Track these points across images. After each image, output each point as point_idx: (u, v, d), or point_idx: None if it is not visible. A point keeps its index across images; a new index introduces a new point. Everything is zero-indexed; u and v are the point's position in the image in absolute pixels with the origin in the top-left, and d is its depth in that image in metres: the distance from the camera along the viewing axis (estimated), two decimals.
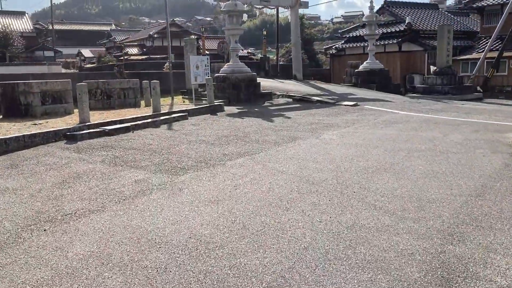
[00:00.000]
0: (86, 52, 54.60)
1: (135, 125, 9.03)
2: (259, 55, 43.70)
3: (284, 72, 26.69)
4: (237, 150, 7.08)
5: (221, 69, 16.58)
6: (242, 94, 15.66)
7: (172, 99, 17.19)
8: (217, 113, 12.13)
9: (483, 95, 19.66)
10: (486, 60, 21.93)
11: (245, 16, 19.18)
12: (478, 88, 20.88)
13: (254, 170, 5.79)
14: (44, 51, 47.03)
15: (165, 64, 20.79)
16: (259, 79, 18.32)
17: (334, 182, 5.17)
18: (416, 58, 25.44)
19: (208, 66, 15.27)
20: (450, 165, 5.87)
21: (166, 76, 17.21)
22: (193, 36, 25.13)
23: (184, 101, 15.78)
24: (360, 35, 28.63)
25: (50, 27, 65.85)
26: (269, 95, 16.47)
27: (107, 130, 8.36)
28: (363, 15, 30.61)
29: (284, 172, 5.65)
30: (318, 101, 14.94)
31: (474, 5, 25.57)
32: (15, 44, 38.03)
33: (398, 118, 10.83)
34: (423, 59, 24.87)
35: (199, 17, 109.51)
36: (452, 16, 29.80)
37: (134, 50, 48.38)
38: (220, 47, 21.94)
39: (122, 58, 35.99)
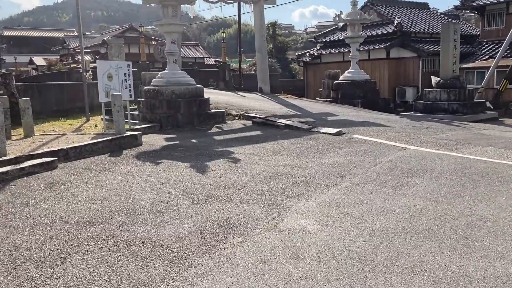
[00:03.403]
0: (39, 60, 52.46)
1: None
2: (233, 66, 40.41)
3: (249, 83, 22.99)
4: None
5: (153, 80, 12.61)
6: (181, 116, 11.72)
7: (87, 120, 13.11)
8: (125, 150, 8.13)
9: (497, 113, 16.40)
10: (496, 69, 18.77)
11: (191, 9, 15.32)
12: (488, 104, 17.66)
13: None
14: None
15: (87, 73, 16.64)
16: (214, 92, 14.40)
17: None
18: (408, 66, 22.18)
19: (129, 75, 11.31)
20: None
21: (85, 89, 13.14)
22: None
23: (96, 126, 11.72)
24: (339, 38, 25.31)
25: (5, 34, 63.06)
26: (221, 116, 12.59)
27: None
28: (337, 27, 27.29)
29: None
30: (286, 126, 11.14)
31: (474, 4, 22.60)
32: None
33: (411, 162, 7.09)
34: (417, 67, 21.61)
35: None
36: (445, 18, 26.90)
37: (87, 57, 45.03)
38: (157, 50, 17.94)
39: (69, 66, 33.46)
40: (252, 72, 30.78)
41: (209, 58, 55.95)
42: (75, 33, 71.76)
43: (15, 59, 47.74)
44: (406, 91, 21.40)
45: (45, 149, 7.16)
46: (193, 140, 9.57)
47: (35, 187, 5.62)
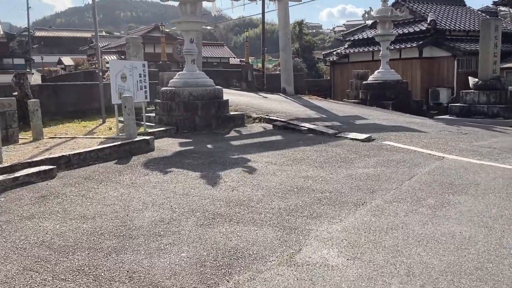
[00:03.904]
0: (67, 60, 54.09)
1: None
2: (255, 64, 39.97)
3: (273, 84, 22.31)
4: None
5: (170, 81, 12.07)
6: (198, 118, 11.15)
7: (103, 122, 12.69)
8: (135, 157, 7.57)
9: None
10: None
11: (213, 6, 14.73)
12: None
13: None
14: (13, 58, 45.80)
15: (106, 74, 16.31)
16: (236, 93, 13.80)
17: None
18: (442, 66, 21.04)
19: (145, 75, 10.80)
20: None
21: (101, 89, 12.73)
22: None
23: (111, 128, 11.26)
24: (368, 37, 24.34)
25: (37, 34, 65.33)
26: (241, 119, 11.96)
27: None
28: (366, 25, 26.34)
29: None
30: (310, 130, 10.41)
31: None
32: None
33: (451, 175, 6.27)
34: (452, 67, 20.45)
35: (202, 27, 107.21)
36: (482, 14, 25.54)
37: (113, 57, 45.55)
38: (177, 50, 17.42)
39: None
40: (277, 72, 30.04)
41: (234, 58, 55.65)
42: (103, 33, 73.32)
43: (42, 59, 48.54)
44: (440, 93, 20.28)
45: (46, 155, 6.66)
46: (209, 146, 8.96)
47: (26, 200, 5.08)
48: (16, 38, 59.34)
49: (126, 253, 3.64)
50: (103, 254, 3.62)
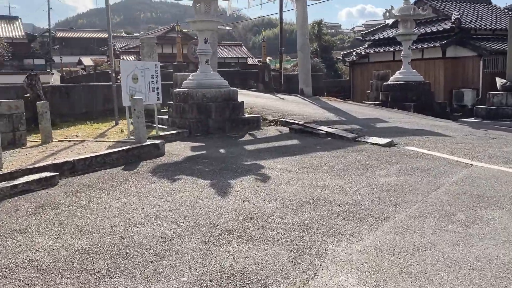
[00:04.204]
0: (87, 61, 54.73)
1: None
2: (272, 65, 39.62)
3: (291, 85, 21.91)
4: None
5: (184, 82, 11.76)
6: (211, 121, 10.80)
7: (116, 124, 12.45)
8: (143, 162, 7.25)
9: None
10: None
11: (228, 5, 14.40)
12: None
13: None
14: (34, 59, 46.63)
15: (120, 74, 16.06)
16: (252, 94, 13.45)
17: None
18: (467, 67, 20.29)
19: (157, 76, 10.49)
20: None
21: (115, 90, 12.49)
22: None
23: (123, 131, 11.00)
24: (389, 36, 23.69)
25: (58, 35, 66.60)
26: (256, 122, 11.57)
27: None
28: (386, 24, 25.69)
29: None
30: (328, 134, 9.95)
31: None
32: (0, 51, 35.83)
33: (482, 185, 5.75)
34: (477, 67, 19.70)
35: (219, 27, 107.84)
36: (509, 12, 24.63)
37: (132, 58, 45.79)
38: (192, 50, 17.13)
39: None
40: (295, 73, 29.58)
41: (252, 58, 55.31)
42: (123, 34, 74.00)
43: (61, 59, 49.02)
44: (465, 94, 19.55)
45: (50, 161, 6.38)
46: (221, 150, 8.59)
47: (22, 211, 4.78)
48: (37, 39, 60.49)
49: (121, 276, 3.28)
50: (95, 277, 3.27)
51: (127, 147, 7.34)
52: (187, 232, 4.18)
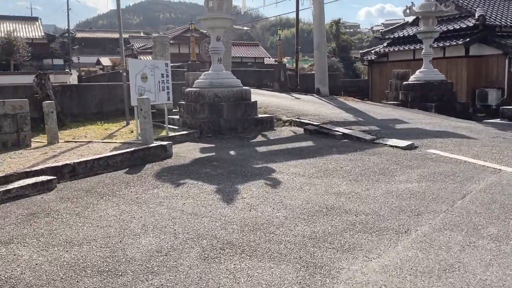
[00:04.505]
0: (106, 61, 55.25)
1: None
2: (289, 64, 39.22)
3: (307, 84, 21.46)
4: None
5: (195, 81, 11.42)
6: (223, 121, 10.44)
7: (126, 124, 12.20)
8: (148, 165, 6.91)
9: None
10: None
11: (243, 3, 14.01)
12: None
13: None
14: (53, 59, 47.36)
15: None
16: (267, 94, 13.08)
17: None
18: (491, 65, 19.49)
19: (167, 75, 10.18)
20: None
21: (125, 90, 12.23)
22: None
23: (132, 131, 10.71)
24: (409, 34, 23.01)
25: (77, 35, 67.69)
26: (269, 122, 11.17)
27: None
28: (406, 22, 25.03)
29: None
30: (344, 135, 9.48)
31: None
32: (20, 51, 36.32)
33: None
34: (502, 66, 18.90)
35: (237, 27, 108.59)
36: None
37: (149, 58, 45.99)
38: (205, 49, 16.78)
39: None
40: (312, 72, 29.08)
41: (269, 58, 54.96)
42: (142, 34, 74.27)
43: (78, 59, 49.41)
44: (489, 94, 18.78)
45: (49, 163, 6.07)
46: (232, 152, 8.20)
47: (11, 219, 4.46)
48: (56, 39, 61.34)
49: None
50: None
51: (132, 149, 7.00)
52: (186, 245, 3.80)
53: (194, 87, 11.18)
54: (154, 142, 7.68)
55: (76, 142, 8.75)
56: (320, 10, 17.91)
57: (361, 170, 6.55)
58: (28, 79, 28.43)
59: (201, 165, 6.99)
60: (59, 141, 8.88)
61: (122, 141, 8.43)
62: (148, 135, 7.59)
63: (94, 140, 8.74)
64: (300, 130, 10.59)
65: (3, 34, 38.23)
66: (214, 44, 11.11)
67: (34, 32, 47.41)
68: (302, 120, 11.25)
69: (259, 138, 9.95)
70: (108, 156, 6.55)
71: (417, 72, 16.77)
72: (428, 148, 8.06)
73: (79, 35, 77.46)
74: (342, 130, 9.82)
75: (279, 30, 23.77)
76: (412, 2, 16.71)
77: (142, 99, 7.69)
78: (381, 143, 8.62)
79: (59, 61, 49.83)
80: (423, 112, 14.45)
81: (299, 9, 22.31)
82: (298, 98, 16.81)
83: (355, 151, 7.97)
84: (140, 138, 9.08)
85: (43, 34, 47.67)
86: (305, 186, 5.67)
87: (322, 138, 9.56)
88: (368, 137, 9.11)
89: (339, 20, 48.95)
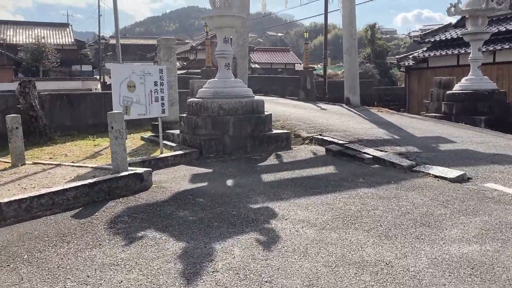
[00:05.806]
0: None
1: None
2: (320, 71, 37.41)
3: (337, 92, 19.63)
4: None
5: (199, 90, 9.87)
6: (229, 139, 8.83)
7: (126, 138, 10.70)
8: (111, 202, 5.32)
9: None
10: None
11: (263, 3, 12.42)
12: None
13: None
14: (81, 65, 47.96)
15: None
16: (289, 104, 11.60)
17: None
18: None
19: (162, 84, 8.68)
20: None
21: None
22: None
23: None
24: (452, 37, 20.87)
25: (111, 42, 68.86)
26: (286, 139, 9.47)
27: None
28: (449, 24, 22.87)
29: None
30: (375, 159, 7.68)
31: None
32: (49, 57, 36.50)
33: None
34: None
35: (270, 33, 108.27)
36: None
37: (177, 64, 45.32)
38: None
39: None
40: (343, 79, 27.23)
41: (300, 64, 53.40)
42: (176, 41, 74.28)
43: (104, 66, 49.28)
44: None
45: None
46: (229, 182, 6.54)
47: None
48: (89, 46, 61.84)
49: None
50: None
51: (92, 181, 5.45)
52: None
53: (196, 97, 9.64)
54: (129, 169, 6.11)
55: (44, 164, 7.30)
56: (351, 9, 16.13)
57: (395, 216, 4.76)
58: (55, 85, 27.90)
59: (181, 204, 5.36)
60: (26, 162, 7.47)
61: (95, 165, 6.92)
62: (119, 161, 6.02)
63: (64, 163, 7.27)
64: (322, 150, 8.85)
65: (33, 40, 38.40)
66: (221, 47, 9.56)
67: (64, 38, 47.93)
68: (324, 138, 9.51)
69: (271, 160, 8.26)
70: (54, 192, 5.00)
71: (463, 80, 14.73)
72: (485, 181, 6.17)
73: (112, 41, 78.13)
74: (372, 152, 8.01)
75: (305, 33, 22.02)
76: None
77: (113, 114, 6.15)
78: (422, 171, 6.79)
79: (87, 67, 50.28)
80: (472, 127, 12.41)
81: (328, 10, 20.57)
82: (324, 109, 15.04)
83: (388, 183, 6.17)
84: (133, 159, 7.62)
85: (73, 40, 48.17)
86: (312, 248, 3.93)
87: (347, 162, 7.79)
88: (405, 162, 7.26)
89: (375, 25, 46.78)
